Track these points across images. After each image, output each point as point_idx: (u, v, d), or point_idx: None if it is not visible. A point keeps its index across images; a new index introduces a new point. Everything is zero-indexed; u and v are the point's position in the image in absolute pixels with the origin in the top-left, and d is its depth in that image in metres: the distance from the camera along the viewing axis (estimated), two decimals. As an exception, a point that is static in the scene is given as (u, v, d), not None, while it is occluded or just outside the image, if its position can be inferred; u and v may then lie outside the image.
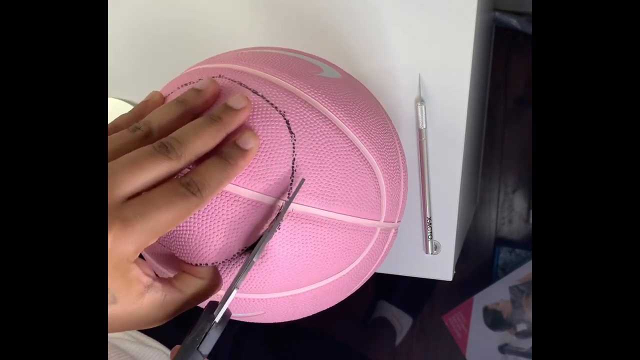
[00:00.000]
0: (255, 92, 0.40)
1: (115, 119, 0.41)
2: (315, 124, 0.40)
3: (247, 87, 0.40)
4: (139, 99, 0.66)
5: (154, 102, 0.42)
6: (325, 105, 0.41)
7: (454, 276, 0.62)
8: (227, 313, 0.37)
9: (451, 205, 0.60)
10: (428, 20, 0.57)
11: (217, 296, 0.41)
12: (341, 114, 0.41)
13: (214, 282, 0.39)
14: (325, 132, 0.40)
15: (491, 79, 1.21)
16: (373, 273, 0.47)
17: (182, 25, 0.63)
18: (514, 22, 1.14)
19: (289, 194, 0.38)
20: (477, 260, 1.29)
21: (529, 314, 1.21)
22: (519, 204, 1.26)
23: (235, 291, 0.37)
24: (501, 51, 1.21)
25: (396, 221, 0.46)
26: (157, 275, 0.37)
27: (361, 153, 0.41)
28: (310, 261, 0.40)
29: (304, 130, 0.39)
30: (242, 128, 0.38)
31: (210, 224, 0.38)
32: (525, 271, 1.21)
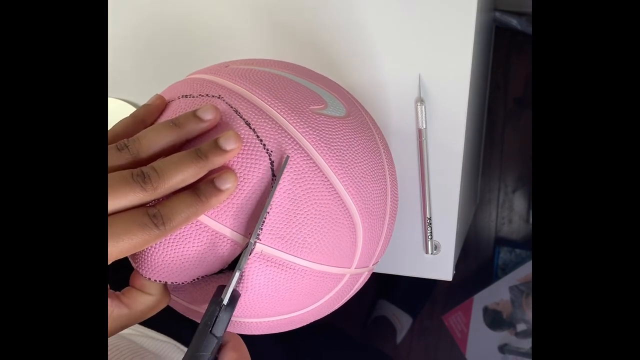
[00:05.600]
0: (248, 125, 0.39)
1: (115, 125, 0.41)
2: (300, 168, 0.39)
3: (241, 117, 0.39)
4: (139, 99, 0.66)
5: (156, 106, 0.42)
6: (317, 149, 0.40)
7: (454, 276, 0.62)
8: (236, 294, 0.38)
9: (451, 205, 0.60)
10: (428, 20, 0.57)
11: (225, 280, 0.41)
12: (332, 160, 0.40)
13: (162, 298, 0.40)
14: (309, 178, 0.39)
15: (491, 79, 1.21)
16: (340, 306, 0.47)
17: (183, 25, 0.63)
18: (514, 22, 1.14)
19: (260, 229, 0.38)
20: (477, 260, 1.29)
21: (529, 314, 1.21)
22: (519, 204, 1.26)
23: (238, 273, 0.37)
24: (501, 51, 1.22)
25: (371, 264, 0.46)
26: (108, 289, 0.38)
27: (343, 202, 0.40)
28: (268, 301, 0.40)
29: (287, 173, 0.38)
30: (224, 165, 0.38)
31: (174, 248, 0.38)
32: (525, 271, 1.21)
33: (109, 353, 0.53)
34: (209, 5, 0.62)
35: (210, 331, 0.37)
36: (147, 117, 0.41)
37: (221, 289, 0.38)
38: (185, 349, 0.65)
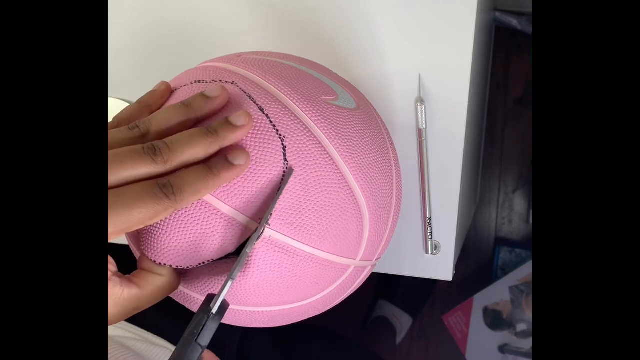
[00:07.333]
0: (261, 110, 0.39)
1: (120, 112, 0.41)
2: (312, 155, 0.39)
3: (254, 102, 0.39)
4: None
5: (161, 92, 0.42)
6: (328, 138, 0.40)
7: (454, 276, 0.62)
8: (225, 304, 0.37)
9: (451, 205, 0.60)
10: (428, 21, 0.57)
11: (215, 288, 0.41)
12: (342, 149, 0.40)
13: (173, 280, 0.39)
14: (320, 166, 0.39)
15: (491, 79, 1.21)
16: (340, 302, 0.47)
17: (183, 26, 0.63)
18: (514, 22, 1.14)
19: (267, 216, 0.38)
20: (477, 260, 1.29)
21: (529, 314, 1.21)
22: (519, 204, 1.26)
23: (231, 282, 0.37)
24: (501, 51, 1.22)
25: (374, 259, 0.46)
26: (117, 270, 0.37)
27: (352, 192, 0.40)
28: (272, 288, 0.40)
29: (299, 159, 0.38)
30: (237, 145, 0.38)
31: (182, 229, 0.38)
32: (525, 271, 1.21)
33: None
34: (209, 3, 0.62)
35: (196, 340, 0.36)
36: (152, 102, 0.41)
37: (211, 296, 0.37)
38: None
